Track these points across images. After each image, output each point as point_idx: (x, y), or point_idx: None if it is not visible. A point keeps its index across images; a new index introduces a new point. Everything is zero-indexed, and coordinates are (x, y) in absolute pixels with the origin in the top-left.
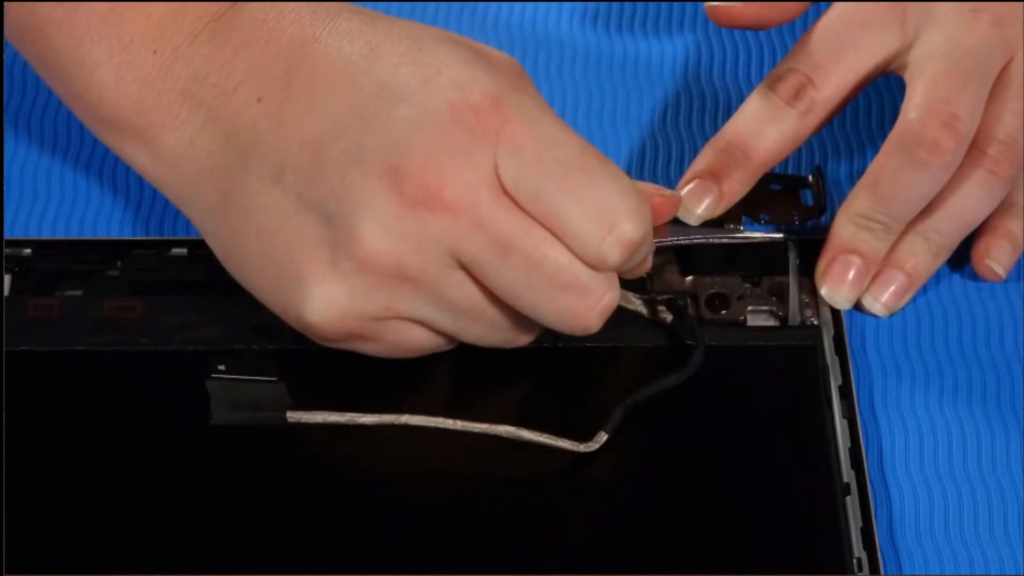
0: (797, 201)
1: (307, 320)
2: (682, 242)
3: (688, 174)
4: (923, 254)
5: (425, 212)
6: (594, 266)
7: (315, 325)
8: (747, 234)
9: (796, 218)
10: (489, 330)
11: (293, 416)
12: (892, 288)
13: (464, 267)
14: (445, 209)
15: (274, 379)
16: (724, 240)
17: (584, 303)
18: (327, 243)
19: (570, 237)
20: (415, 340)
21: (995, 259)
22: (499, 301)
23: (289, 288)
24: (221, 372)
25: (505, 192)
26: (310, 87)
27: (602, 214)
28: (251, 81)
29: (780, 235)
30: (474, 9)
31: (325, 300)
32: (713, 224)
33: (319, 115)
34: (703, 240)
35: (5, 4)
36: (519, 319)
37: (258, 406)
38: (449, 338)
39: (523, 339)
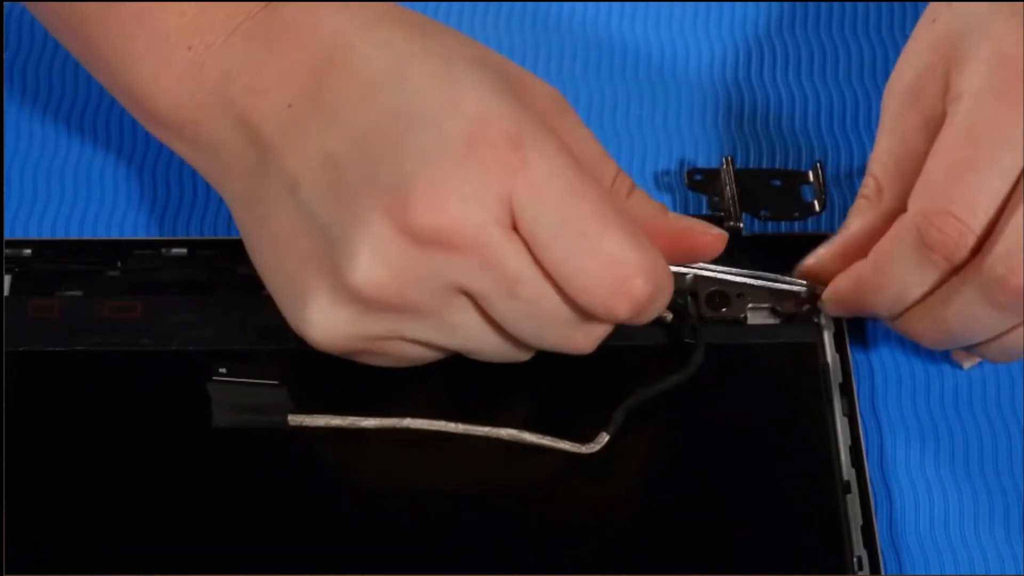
0: (798, 197)
1: (311, 336)
2: (707, 273)
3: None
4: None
5: (431, 250)
6: (599, 315)
7: (318, 341)
8: (776, 282)
9: (796, 214)
10: (490, 350)
11: (295, 420)
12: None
13: (467, 295)
14: (452, 249)
15: (276, 382)
16: (754, 283)
17: (583, 333)
18: (332, 266)
19: (578, 287)
20: (418, 355)
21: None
22: (500, 327)
23: (294, 301)
24: (222, 375)
25: (515, 230)
26: (337, 99)
27: (615, 268)
28: (282, 85)
29: (804, 286)
30: (474, 8)
31: (327, 321)
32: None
33: (341, 130)
34: (732, 279)
35: (54, 7)
36: (520, 341)
37: (259, 409)
38: (452, 353)
39: (523, 356)
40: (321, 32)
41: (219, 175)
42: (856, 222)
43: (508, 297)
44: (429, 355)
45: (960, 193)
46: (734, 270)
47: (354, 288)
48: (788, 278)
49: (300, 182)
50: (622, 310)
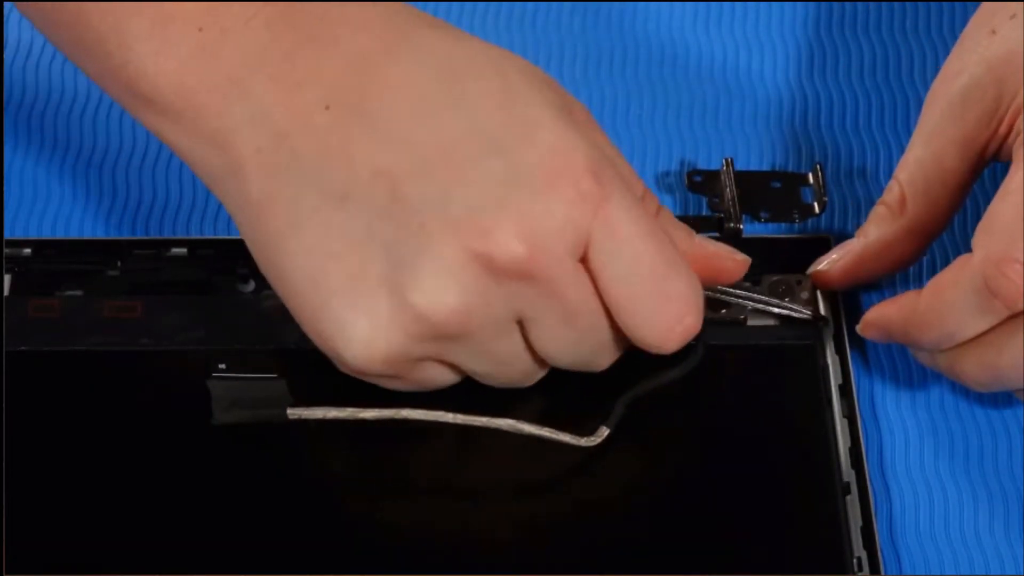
0: (797, 198)
1: (349, 353)
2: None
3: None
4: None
5: (508, 281)
6: (649, 347)
7: (356, 359)
8: (782, 308)
9: (796, 216)
10: (515, 376)
11: (293, 412)
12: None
13: (519, 322)
14: (528, 279)
15: (274, 376)
16: (759, 307)
17: (609, 355)
18: (392, 286)
19: (641, 323)
20: (440, 380)
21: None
22: (534, 352)
23: (336, 317)
24: (222, 371)
25: (582, 261)
26: (388, 110)
27: (677, 306)
28: (317, 83)
29: (808, 314)
30: (474, 8)
31: (375, 341)
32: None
33: (398, 146)
34: (738, 301)
35: None
36: (541, 365)
37: (259, 404)
38: (470, 377)
39: (531, 383)
40: (354, 32)
41: (224, 171)
42: (874, 231)
43: (564, 326)
44: (450, 381)
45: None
46: (739, 292)
47: (420, 311)
48: (792, 305)
49: (350, 195)
50: (673, 344)
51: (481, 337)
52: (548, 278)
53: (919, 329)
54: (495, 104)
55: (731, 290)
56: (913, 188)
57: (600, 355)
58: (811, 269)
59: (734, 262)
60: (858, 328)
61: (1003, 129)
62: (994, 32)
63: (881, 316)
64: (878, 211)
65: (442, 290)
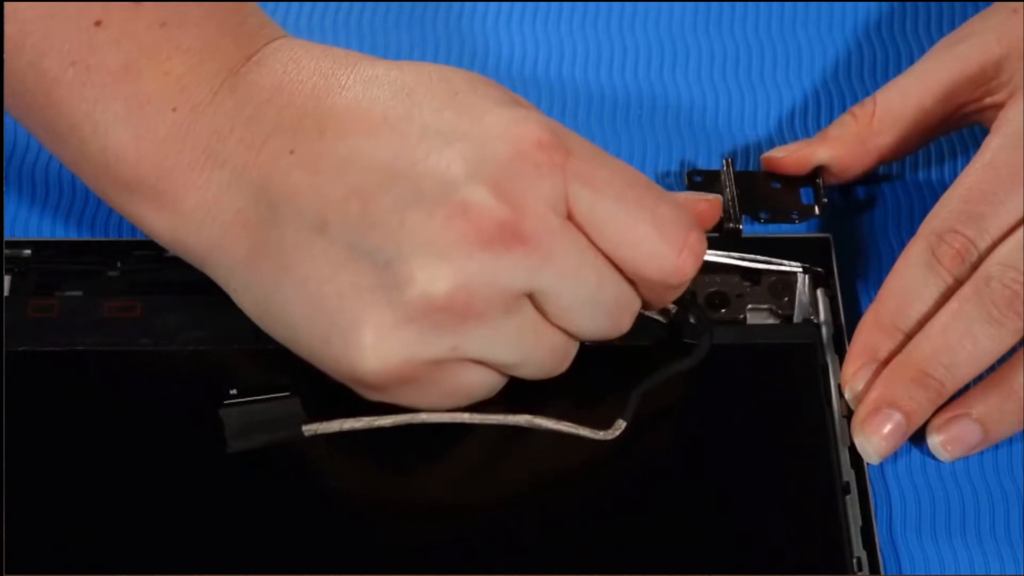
0: (797, 199)
1: (364, 367)
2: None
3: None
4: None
5: (500, 248)
6: (668, 278)
7: (374, 372)
8: (771, 264)
9: (795, 216)
10: (546, 356)
11: (308, 429)
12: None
13: (529, 295)
14: (520, 244)
15: (287, 394)
16: (747, 265)
17: (630, 312)
18: (387, 288)
19: (647, 253)
20: (473, 384)
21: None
22: (556, 326)
23: (343, 338)
24: (233, 396)
25: (569, 219)
26: (346, 136)
27: (674, 228)
28: (280, 134)
29: (798, 268)
30: (474, 8)
31: (387, 346)
32: (724, 236)
33: (362, 163)
34: (727, 262)
35: (13, 72)
36: (570, 340)
37: (274, 426)
38: (504, 376)
39: (566, 365)
40: (308, 79)
41: (207, 247)
42: (834, 133)
43: (574, 287)
44: (484, 385)
45: (970, 216)
46: (729, 254)
47: (420, 301)
48: (781, 260)
49: (327, 220)
50: (690, 265)
51: (492, 316)
52: (539, 239)
53: (882, 302)
54: (444, 105)
55: (720, 252)
56: (886, 110)
57: (621, 313)
58: (766, 154)
59: (707, 203)
60: (846, 390)
61: (987, 102)
62: (1015, 12)
63: (860, 333)
64: (845, 118)
65: (435, 275)
